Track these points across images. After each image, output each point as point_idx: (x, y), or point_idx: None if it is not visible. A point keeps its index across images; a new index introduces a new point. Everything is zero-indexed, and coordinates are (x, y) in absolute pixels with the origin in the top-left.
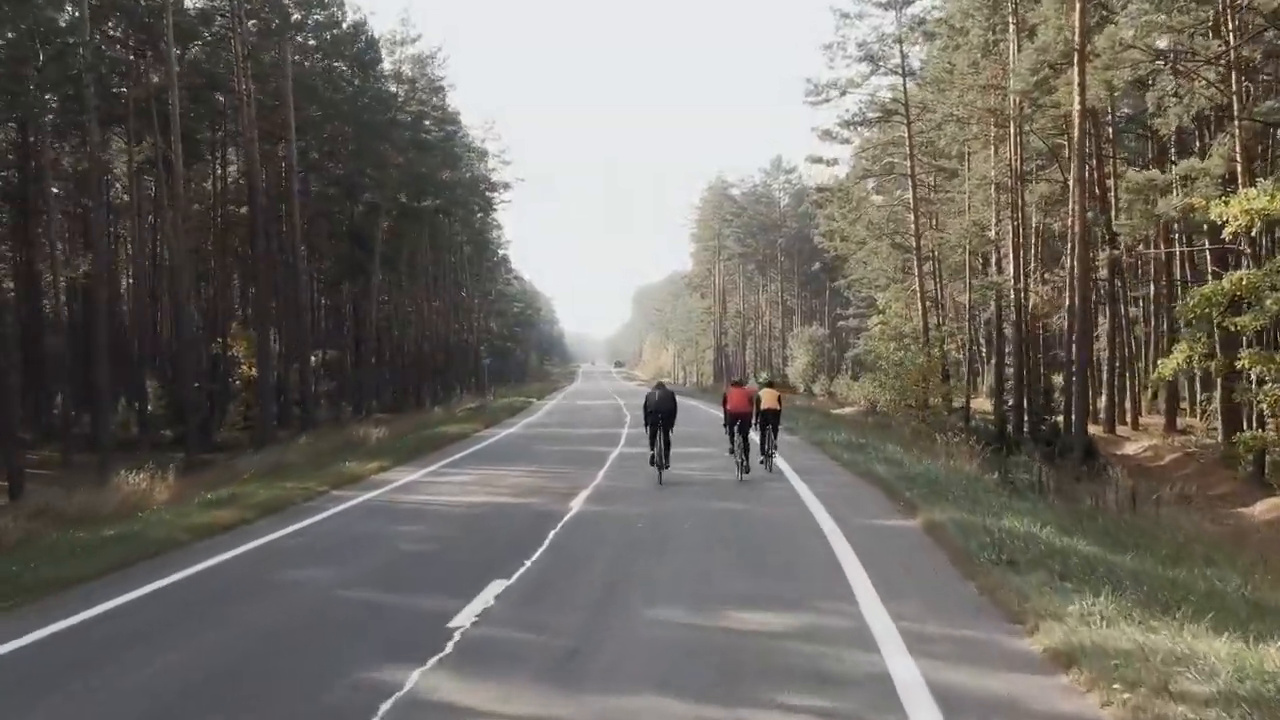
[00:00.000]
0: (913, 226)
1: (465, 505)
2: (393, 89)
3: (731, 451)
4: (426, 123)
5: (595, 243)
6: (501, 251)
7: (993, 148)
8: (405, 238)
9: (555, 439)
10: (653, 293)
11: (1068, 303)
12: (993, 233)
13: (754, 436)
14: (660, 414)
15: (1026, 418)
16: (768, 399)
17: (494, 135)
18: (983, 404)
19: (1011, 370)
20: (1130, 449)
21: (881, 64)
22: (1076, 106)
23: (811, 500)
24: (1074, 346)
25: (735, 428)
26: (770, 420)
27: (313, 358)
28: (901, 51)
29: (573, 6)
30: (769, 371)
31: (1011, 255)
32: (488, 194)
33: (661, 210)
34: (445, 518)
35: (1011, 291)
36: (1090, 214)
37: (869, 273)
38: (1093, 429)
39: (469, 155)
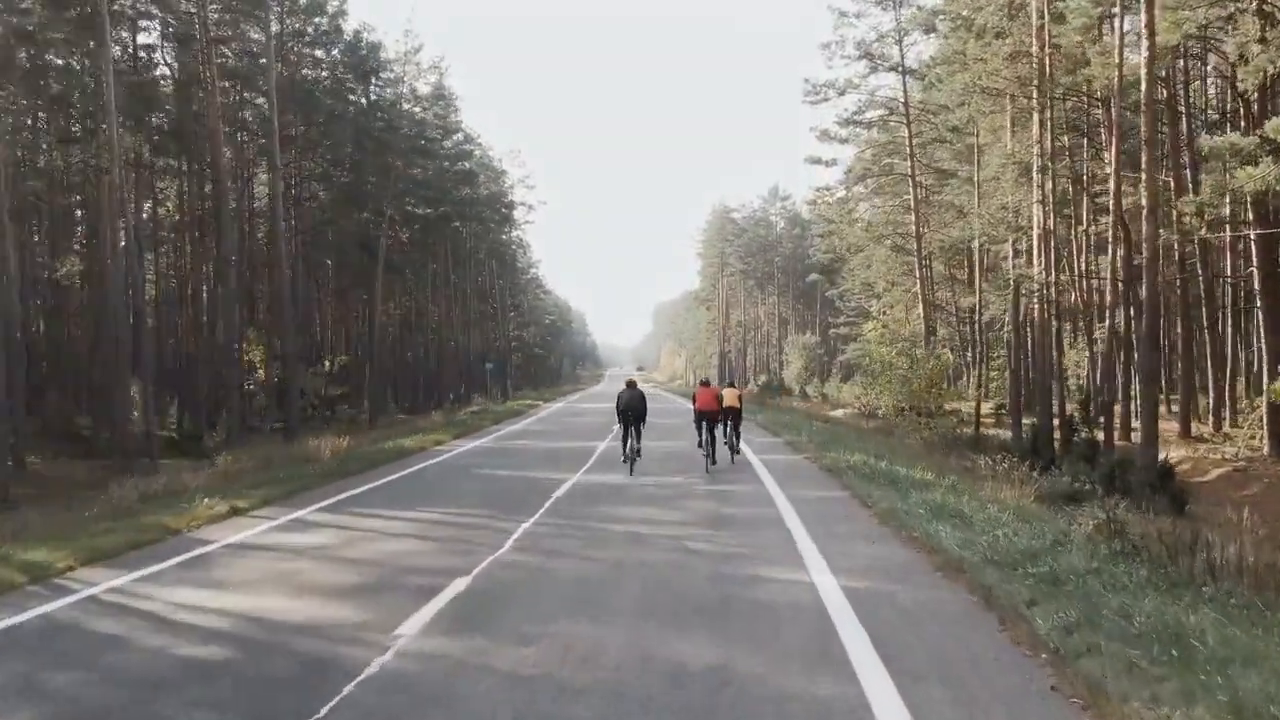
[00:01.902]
0: (913, 229)
1: (201, 636)
2: (393, 98)
3: (700, 444)
4: (439, 135)
5: (611, 258)
6: (533, 270)
7: (1010, 128)
8: (426, 248)
9: (513, 456)
10: (669, 308)
11: (1145, 291)
12: (1013, 219)
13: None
14: (630, 412)
15: (1058, 428)
16: (729, 398)
17: (519, 163)
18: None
19: (1035, 375)
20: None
21: (880, 62)
22: (1144, 54)
23: (859, 645)
24: (1112, 344)
25: (703, 423)
26: (731, 416)
27: (327, 362)
28: (900, 50)
29: (570, 23)
30: (768, 374)
31: (1039, 245)
32: (504, 210)
33: (669, 224)
34: (104, 687)
35: (1038, 286)
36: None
37: (867, 277)
38: (1103, 435)
39: (487, 173)
